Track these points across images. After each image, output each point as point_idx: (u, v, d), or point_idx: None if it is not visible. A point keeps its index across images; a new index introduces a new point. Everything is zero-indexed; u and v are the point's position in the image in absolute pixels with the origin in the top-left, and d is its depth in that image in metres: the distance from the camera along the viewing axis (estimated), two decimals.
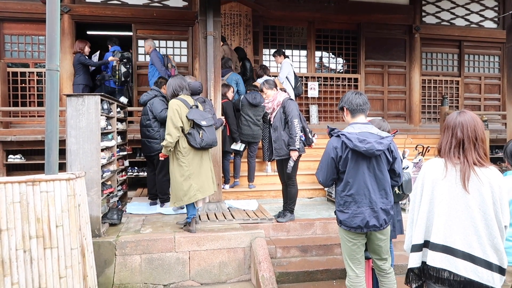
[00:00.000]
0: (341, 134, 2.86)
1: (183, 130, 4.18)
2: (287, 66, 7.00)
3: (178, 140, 4.19)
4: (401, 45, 9.19)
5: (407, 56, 9.18)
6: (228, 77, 6.74)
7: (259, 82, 6.70)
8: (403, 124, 9.10)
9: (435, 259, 2.10)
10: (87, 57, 6.98)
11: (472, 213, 2.05)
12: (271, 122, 4.90)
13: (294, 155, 4.61)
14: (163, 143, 4.19)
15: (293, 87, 7.05)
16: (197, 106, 4.33)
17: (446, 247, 2.07)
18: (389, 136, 2.88)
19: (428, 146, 6.04)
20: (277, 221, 4.84)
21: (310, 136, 4.85)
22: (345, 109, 3.02)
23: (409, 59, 9.17)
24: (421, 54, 9.28)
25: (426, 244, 2.16)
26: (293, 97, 7.00)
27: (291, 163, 4.65)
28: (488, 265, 2.01)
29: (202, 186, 4.24)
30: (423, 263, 2.18)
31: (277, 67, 7.34)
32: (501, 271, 2.04)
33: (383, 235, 2.96)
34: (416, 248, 2.18)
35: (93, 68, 7.39)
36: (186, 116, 4.15)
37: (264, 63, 8.23)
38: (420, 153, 5.76)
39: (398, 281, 3.18)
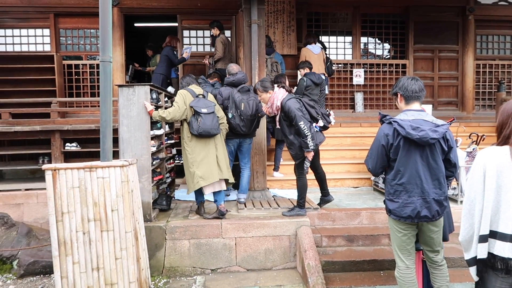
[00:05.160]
0: (393, 121, 2.77)
1: (186, 118, 4.39)
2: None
3: (183, 129, 4.42)
4: (453, 28, 8.70)
5: (460, 39, 8.67)
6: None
7: (308, 47, 6.91)
8: (454, 111, 8.65)
9: (505, 249, 2.04)
10: (176, 53, 7.34)
11: None
12: (277, 126, 4.61)
13: (309, 156, 4.39)
14: (160, 111, 4.32)
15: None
16: (204, 96, 4.51)
17: None
18: (445, 124, 2.75)
19: (483, 135, 5.72)
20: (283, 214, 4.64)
21: (327, 119, 4.59)
22: (399, 95, 2.91)
23: (462, 43, 8.66)
24: (475, 37, 8.74)
25: (493, 235, 2.09)
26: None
27: (307, 164, 4.47)
28: None
29: (205, 173, 4.35)
30: (489, 253, 2.10)
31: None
32: None
33: (435, 227, 2.86)
34: (482, 238, 2.11)
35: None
36: (189, 104, 4.35)
37: None
38: (474, 142, 5.48)
39: (449, 274, 3.08)
